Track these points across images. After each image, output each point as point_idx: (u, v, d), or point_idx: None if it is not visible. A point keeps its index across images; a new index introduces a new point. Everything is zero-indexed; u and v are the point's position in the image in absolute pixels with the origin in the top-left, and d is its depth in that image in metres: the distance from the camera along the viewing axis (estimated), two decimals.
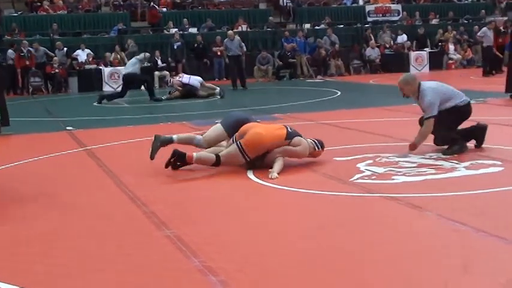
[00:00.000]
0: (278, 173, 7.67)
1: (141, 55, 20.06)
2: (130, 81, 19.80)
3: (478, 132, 8.80)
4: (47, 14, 27.88)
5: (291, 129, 8.28)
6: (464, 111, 8.71)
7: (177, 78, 20.54)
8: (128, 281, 4.57)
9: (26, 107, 19.45)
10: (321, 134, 10.01)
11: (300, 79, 25.94)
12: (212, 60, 26.15)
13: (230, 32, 23.95)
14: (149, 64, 24.09)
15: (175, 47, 25.53)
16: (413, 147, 8.52)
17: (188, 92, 19.61)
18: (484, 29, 22.49)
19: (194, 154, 8.08)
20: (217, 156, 8.03)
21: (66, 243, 5.57)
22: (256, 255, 4.97)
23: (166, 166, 8.22)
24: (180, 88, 19.80)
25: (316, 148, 8.34)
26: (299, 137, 8.17)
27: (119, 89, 24.26)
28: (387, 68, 27.23)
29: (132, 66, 19.67)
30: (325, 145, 8.53)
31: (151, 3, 29.33)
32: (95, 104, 18.96)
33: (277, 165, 7.81)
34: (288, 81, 25.45)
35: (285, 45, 26.42)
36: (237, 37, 22.79)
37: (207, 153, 8.16)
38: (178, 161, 8.16)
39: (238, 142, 7.98)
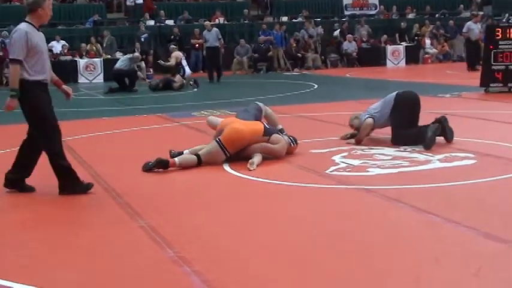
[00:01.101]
0: (257, 165, 7.68)
1: (136, 54, 20.18)
2: (117, 76, 19.77)
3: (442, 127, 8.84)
4: (22, 4, 27.57)
5: (268, 125, 8.28)
6: (402, 102, 8.86)
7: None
8: (101, 271, 4.56)
9: (0, 98, 19.19)
10: (297, 127, 10.05)
11: (277, 72, 25.96)
12: (189, 53, 26.04)
13: (207, 22, 23.90)
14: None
15: (142, 39, 25.34)
16: (358, 141, 8.94)
17: (166, 83, 19.60)
18: (469, 23, 22.55)
19: (176, 160, 7.98)
20: (198, 156, 7.97)
21: (38, 234, 5.55)
22: (231, 246, 4.98)
23: (146, 171, 8.02)
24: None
25: (292, 144, 8.36)
26: (277, 135, 8.18)
27: (95, 80, 24.28)
28: (364, 62, 27.31)
29: (121, 62, 19.75)
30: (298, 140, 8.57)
31: None
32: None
33: (257, 157, 7.82)
34: (264, 74, 25.45)
35: (258, 38, 26.45)
36: (215, 28, 22.74)
37: (188, 156, 8.08)
38: (161, 168, 8.00)
39: (217, 139, 7.96)
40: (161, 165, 7.79)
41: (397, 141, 8.75)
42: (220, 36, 22.52)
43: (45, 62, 6.82)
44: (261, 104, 8.95)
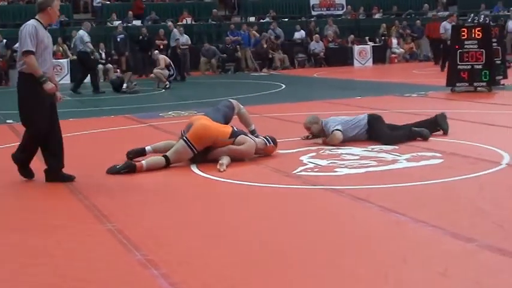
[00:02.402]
0: (226, 166, 7.65)
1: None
2: (84, 61, 19.49)
3: (440, 121, 9.24)
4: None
5: (237, 129, 8.21)
6: (373, 124, 8.99)
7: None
8: (68, 275, 4.50)
9: None
10: (265, 127, 10.04)
11: (245, 72, 25.96)
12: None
13: (170, 23, 23.87)
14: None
15: (118, 39, 25.21)
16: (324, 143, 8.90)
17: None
18: (444, 23, 22.73)
19: (144, 163, 7.91)
20: (166, 157, 7.90)
21: (1, 236, 5.47)
22: (199, 248, 4.95)
23: (113, 174, 7.96)
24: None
25: (268, 144, 8.25)
26: (243, 136, 8.11)
27: (62, 81, 24.01)
28: (331, 62, 27.44)
29: (83, 44, 19.35)
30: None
31: None
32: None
33: (226, 158, 7.78)
34: (232, 75, 25.42)
35: (226, 38, 26.45)
36: (175, 30, 22.83)
37: (156, 158, 8.00)
38: (128, 172, 7.93)
39: (184, 137, 7.92)
40: (128, 169, 7.71)
41: (392, 140, 8.83)
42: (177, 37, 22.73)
43: (47, 58, 7.28)
44: (234, 102, 8.92)
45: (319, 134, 9.11)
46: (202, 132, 7.92)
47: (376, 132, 8.95)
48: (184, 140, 7.90)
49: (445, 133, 9.22)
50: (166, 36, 25.10)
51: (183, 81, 21.90)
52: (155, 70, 20.08)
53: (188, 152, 7.89)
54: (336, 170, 7.37)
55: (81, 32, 19.57)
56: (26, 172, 7.54)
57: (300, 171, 7.35)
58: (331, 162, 7.73)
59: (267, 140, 8.30)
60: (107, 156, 8.34)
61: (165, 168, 7.80)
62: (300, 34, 28.15)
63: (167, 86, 19.43)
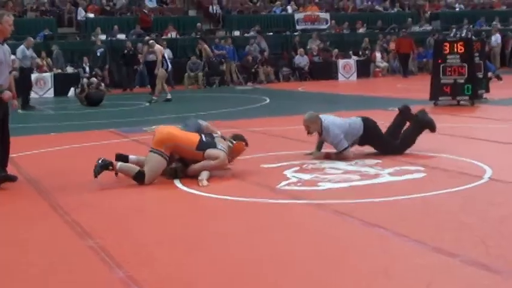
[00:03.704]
0: (207, 179, 7.62)
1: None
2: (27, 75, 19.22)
3: (423, 118, 9.22)
4: None
5: (205, 139, 8.08)
6: (369, 130, 9.00)
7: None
8: None
9: None
10: (249, 142, 10.02)
11: (230, 86, 25.98)
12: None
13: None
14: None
15: (98, 53, 25.15)
16: (327, 157, 8.85)
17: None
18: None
19: (118, 164, 7.93)
20: (141, 172, 7.81)
21: None
22: (181, 265, 4.92)
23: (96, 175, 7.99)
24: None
25: (231, 144, 8.18)
26: (212, 150, 7.95)
27: (46, 95, 24.00)
28: (316, 76, 27.53)
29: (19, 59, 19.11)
30: (245, 139, 8.42)
31: (141, 7, 29.57)
32: (19, 111, 18.50)
33: (205, 172, 7.75)
34: (217, 88, 25.43)
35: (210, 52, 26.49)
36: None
37: (131, 165, 7.98)
38: (104, 167, 7.95)
39: (150, 148, 7.93)
40: (104, 164, 7.79)
41: (399, 148, 8.95)
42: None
43: (3, 71, 7.92)
44: (201, 122, 8.87)
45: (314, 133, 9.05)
46: (165, 135, 7.90)
47: (377, 141, 8.97)
48: (150, 150, 7.89)
49: (433, 130, 9.17)
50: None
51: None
52: (157, 82, 19.98)
53: (158, 159, 7.80)
54: (319, 184, 7.36)
55: (20, 47, 19.30)
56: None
57: (284, 186, 7.34)
58: (314, 177, 7.72)
59: (231, 141, 8.21)
60: (89, 172, 8.27)
61: (146, 185, 7.75)
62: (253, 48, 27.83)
63: (153, 101, 19.36)
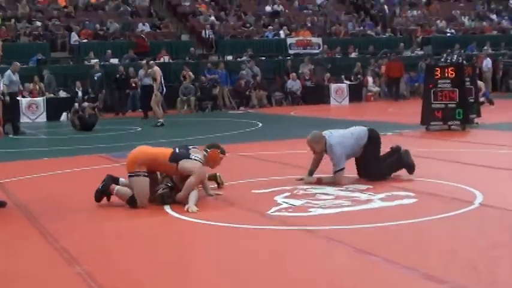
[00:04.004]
0: (195, 204, 7.59)
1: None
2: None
3: (406, 159, 9.16)
4: None
5: (178, 151, 7.98)
6: (373, 140, 9.06)
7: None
8: None
9: None
10: (239, 166, 10.03)
11: (222, 110, 26.01)
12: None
13: (143, 61, 23.95)
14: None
15: (95, 77, 25.23)
16: (319, 183, 8.85)
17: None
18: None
19: (117, 187, 7.95)
20: (133, 195, 7.83)
21: None
22: None
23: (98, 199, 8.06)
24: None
25: (205, 153, 8.10)
26: (186, 162, 7.81)
27: (38, 119, 23.97)
28: (308, 100, 27.59)
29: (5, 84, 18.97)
30: (221, 147, 8.38)
31: (134, 32, 29.67)
32: (10, 135, 18.49)
33: (192, 197, 7.70)
34: (210, 113, 25.45)
35: (202, 77, 26.53)
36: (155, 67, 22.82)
37: (126, 189, 7.97)
38: (105, 187, 7.99)
39: (127, 173, 7.93)
40: (105, 185, 7.95)
41: (378, 175, 8.90)
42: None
43: None
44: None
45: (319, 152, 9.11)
46: (134, 153, 7.93)
47: (373, 154, 9.00)
48: (128, 175, 7.90)
49: (410, 172, 9.13)
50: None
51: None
52: (153, 106, 19.95)
53: (138, 180, 7.76)
54: (310, 210, 7.33)
55: (7, 72, 19.19)
56: None
57: (274, 212, 7.31)
58: (305, 202, 7.70)
59: (205, 151, 8.15)
60: (78, 197, 8.26)
61: (137, 209, 7.72)
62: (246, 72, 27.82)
63: (158, 124, 19.38)
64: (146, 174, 7.82)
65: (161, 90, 19.88)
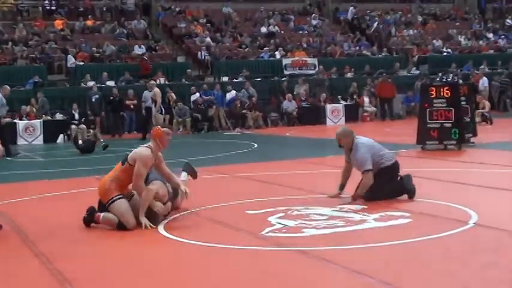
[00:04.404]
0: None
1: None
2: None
3: (407, 184, 9.14)
4: None
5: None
6: (393, 170, 9.14)
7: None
8: None
9: None
10: (234, 187, 10.03)
11: (218, 131, 26.04)
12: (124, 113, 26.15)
13: (151, 83, 24.05)
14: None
15: (93, 99, 25.30)
16: (356, 197, 8.88)
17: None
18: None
19: (101, 214, 7.95)
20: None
21: None
22: None
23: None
24: None
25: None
26: (132, 152, 8.03)
27: (35, 141, 23.98)
28: (304, 121, 27.62)
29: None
30: None
31: (130, 54, 29.83)
32: (7, 158, 18.48)
33: (141, 209, 7.79)
34: (206, 134, 25.47)
35: (196, 99, 26.59)
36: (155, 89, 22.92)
37: (111, 215, 7.97)
38: (89, 217, 8.02)
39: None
40: (89, 215, 7.98)
41: (379, 197, 8.88)
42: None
43: None
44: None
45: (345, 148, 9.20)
46: (100, 184, 8.03)
47: (384, 181, 8.96)
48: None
49: (411, 197, 9.07)
50: (136, 96, 25.75)
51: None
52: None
53: (115, 204, 7.78)
54: (303, 230, 7.32)
55: None
56: None
57: (268, 232, 7.30)
58: (299, 223, 7.69)
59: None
60: (73, 219, 8.25)
61: (131, 231, 7.72)
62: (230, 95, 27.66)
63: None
64: (121, 196, 7.86)
65: (160, 111, 20.00)
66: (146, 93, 23.26)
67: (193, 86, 27.33)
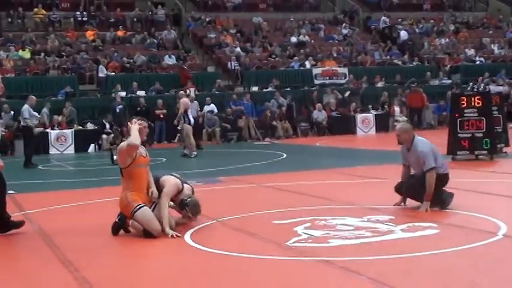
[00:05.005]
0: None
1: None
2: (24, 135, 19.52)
3: (446, 199, 9.06)
4: None
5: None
6: (444, 180, 9.10)
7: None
8: None
9: None
10: (261, 197, 10.02)
11: (248, 142, 26.04)
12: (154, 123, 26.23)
13: (192, 94, 24.31)
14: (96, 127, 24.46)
15: (117, 110, 25.51)
16: (429, 198, 8.76)
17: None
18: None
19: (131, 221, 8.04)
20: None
21: None
22: None
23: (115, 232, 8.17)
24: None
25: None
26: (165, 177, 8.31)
27: (66, 151, 24.22)
28: (334, 130, 27.53)
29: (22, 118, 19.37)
30: None
31: (182, 65, 30.33)
32: (40, 167, 18.70)
33: (165, 219, 7.90)
34: (235, 144, 25.50)
35: (226, 109, 26.64)
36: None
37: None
38: (120, 222, 8.12)
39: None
40: (120, 223, 8.10)
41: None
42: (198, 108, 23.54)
43: None
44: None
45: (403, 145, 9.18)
46: (119, 201, 8.10)
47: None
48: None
49: (442, 208, 8.96)
50: (165, 106, 25.94)
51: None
52: (185, 138, 20.18)
53: (139, 214, 7.84)
54: (329, 240, 7.27)
55: (25, 107, 19.42)
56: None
57: (294, 243, 7.27)
58: (325, 233, 7.64)
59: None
60: (101, 228, 8.31)
61: (158, 240, 7.74)
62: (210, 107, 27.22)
63: (192, 156, 19.56)
64: (142, 205, 7.91)
65: (188, 121, 20.05)
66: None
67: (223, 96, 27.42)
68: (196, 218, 8.43)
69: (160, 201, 8.00)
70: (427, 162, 8.80)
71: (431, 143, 9.17)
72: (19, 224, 8.59)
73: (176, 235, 7.74)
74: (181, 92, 23.70)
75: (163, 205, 7.96)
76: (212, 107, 26.71)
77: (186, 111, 20.21)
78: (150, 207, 7.98)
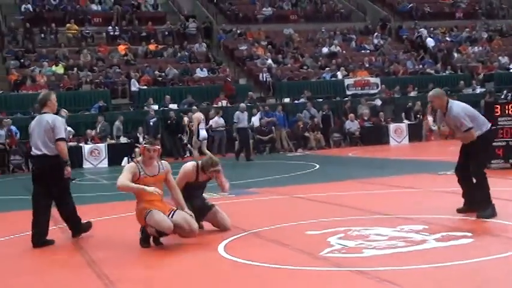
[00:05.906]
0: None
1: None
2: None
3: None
4: (28, 92, 27.93)
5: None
6: (490, 137, 9.19)
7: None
8: None
9: (6, 185, 19.34)
10: (293, 208, 10.00)
11: (280, 153, 26.03)
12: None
13: (242, 104, 24.52)
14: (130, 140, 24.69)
15: (151, 123, 25.71)
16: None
17: None
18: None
19: None
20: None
21: None
22: None
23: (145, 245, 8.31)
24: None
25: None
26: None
27: (100, 165, 24.43)
28: (367, 140, 27.39)
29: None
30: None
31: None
32: (74, 181, 18.82)
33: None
34: (268, 155, 25.51)
35: (260, 121, 26.67)
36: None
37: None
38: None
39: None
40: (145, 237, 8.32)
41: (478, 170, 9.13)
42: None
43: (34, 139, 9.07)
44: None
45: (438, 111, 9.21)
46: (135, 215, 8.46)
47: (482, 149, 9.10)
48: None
49: (470, 207, 9.00)
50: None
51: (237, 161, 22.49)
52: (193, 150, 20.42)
53: (149, 217, 8.09)
54: (363, 251, 7.24)
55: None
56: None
57: (327, 253, 7.24)
58: (359, 243, 7.61)
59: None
60: (132, 241, 8.39)
61: (190, 252, 7.78)
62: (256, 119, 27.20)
63: None
64: (150, 210, 8.12)
65: (197, 136, 20.34)
66: (238, 114, 23.54)
67: (254, 108, 27.43)
68: (219, 167, 8.92)
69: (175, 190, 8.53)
70: (464, 124, 8.82)
71: (466, 105, 9.13)
72: (88, 226, 9.39)
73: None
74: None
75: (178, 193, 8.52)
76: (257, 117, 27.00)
77: (199, 125, 20.51)
78: (168, 215, 8.15)
